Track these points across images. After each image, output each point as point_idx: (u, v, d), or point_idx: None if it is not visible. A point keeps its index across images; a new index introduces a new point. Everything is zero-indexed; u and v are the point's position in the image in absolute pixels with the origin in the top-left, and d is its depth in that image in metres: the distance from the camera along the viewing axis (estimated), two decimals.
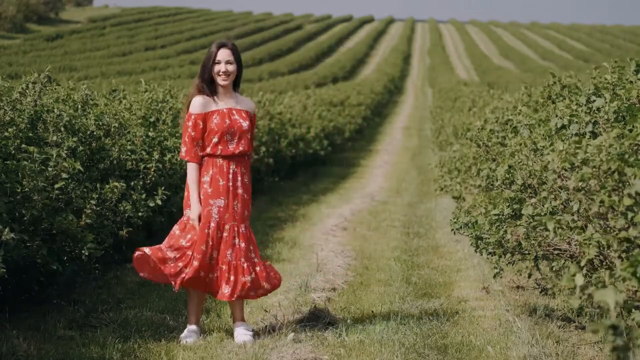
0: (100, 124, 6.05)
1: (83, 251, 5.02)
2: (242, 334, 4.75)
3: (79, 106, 6.25)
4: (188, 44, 61.64)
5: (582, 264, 3.51)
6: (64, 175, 4.96)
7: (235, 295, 4.72)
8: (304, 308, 5.42)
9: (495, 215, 4.85)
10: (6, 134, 4.93)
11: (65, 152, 5.21)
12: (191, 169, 4.77)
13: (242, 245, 4.75)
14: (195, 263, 4.69)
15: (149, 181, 6.50)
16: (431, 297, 5.97)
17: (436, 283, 6.49)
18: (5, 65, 37.26)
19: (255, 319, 5.23)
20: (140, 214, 5.93)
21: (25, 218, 4.69)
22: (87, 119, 6.04)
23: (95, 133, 5.99)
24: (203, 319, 5.14)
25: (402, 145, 25.40)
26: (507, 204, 4.83)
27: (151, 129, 7.00)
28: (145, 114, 7.26)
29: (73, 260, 5.20)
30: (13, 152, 4.91)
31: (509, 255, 5.00)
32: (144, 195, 6.01)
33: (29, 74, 5.81)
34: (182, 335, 4.77)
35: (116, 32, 65.30)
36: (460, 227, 5.53)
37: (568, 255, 4.52)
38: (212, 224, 4.73)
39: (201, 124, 4.75)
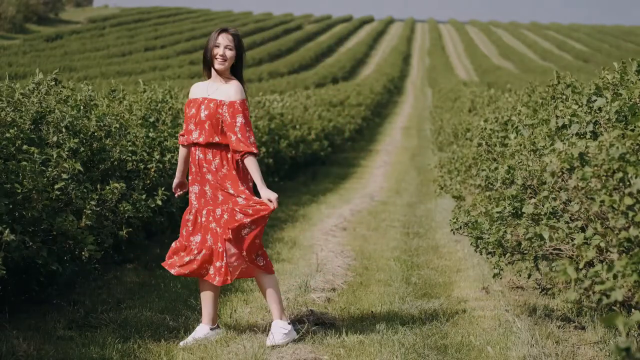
0: (102, 124, 6.05)
1: (83, 252, 5.02)
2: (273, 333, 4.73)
3: (81, 107, 6.25)
4: (188, 44, 61.62)
5: (581, 266, 3.51)
6: (64, 176, 4.96)
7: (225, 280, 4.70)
8: (304, 308, 5.42)
9: (497, 212, 4.85)
10: (7, 134, 4.93)
11: (66, 152, 5.21)
12: (180, 149, 4.98)
13: (219, 229, 4.71)
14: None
15: (149, 181, 6.50)
16: (431, 297, 5.97)
17: (436, 283, 6.49)
18: (5, 66, 37.24)
19: (255, 319, 5.23)
20: (140, 214, 5.93)
21: (25, 219, 4.69)
22: (88, 120, 6.04)
23: (96, 134, 6.00)
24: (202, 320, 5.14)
25: (401, 146, 25.41)
26: (509, 202, 4.83)
27: (151, 130, 7.00)
28: (145, 115, 7.26)
29: (73, 261, 5.20)
30: (14, 152, 4.91)
31: (508, 255, 5.01)
32: (144, 196, 6.01)
33: (30, 74, 5.83)
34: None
35: (116, 32, 65.30)
36: (460, 227, 5.53)
37: (568, 256, 4.53)
38: (192, 210, 4.78)
39: (187, 109, 4.83)
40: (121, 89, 7.50)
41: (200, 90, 4.83)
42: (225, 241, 4.64)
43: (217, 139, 4.69)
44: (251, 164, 4.65)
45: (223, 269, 4.66)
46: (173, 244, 4.85)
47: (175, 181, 5.01)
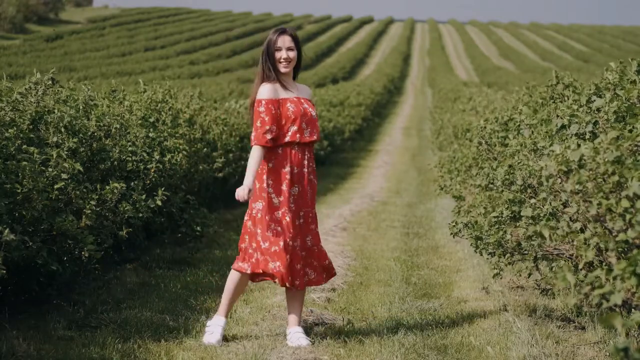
0: (101, 125, 6.05)
1: (83, 252, 5.02)
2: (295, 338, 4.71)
3: (81, 107, 6.26)
4: (188, 45, 61.64)
5: (580, 266, 3.52)
6: (64, 176, 4.96)
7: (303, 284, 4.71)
8: (304, 308, 5.42)
9: (494, 217, 4.86)
10: (7, 134, 4.93)
11: (66, 152, 5.22)
12: (257, 150, 4.61)
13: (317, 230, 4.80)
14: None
15: (149, 182, 6.51)
16: (431, 297, 5.98)
17: (436, 283, 6.49)
18: (5, 66, 37.26)
19: (255, 319, 5.23)
20: (140, 214, 5.93)
21: (25, 219, 4.69)
22: (88, 119, 6.04)
23: (95, 134, 6.00)
24: (203, 320, 5.14)
25: (401, 146, 25.41)
26: (506, 206, 4.83)
27: (151, 130, 7.01)
28: (145, 115, 7.27)
29: (73, 261, 5.21)
30: (13, 152, 4.91)
31: (508, 255, 5.01)
32: (144, 196, 6.01)
33: (30, 74, 5.83)
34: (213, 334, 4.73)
35: (116, 32, 65.31)
36: (459, 230, 5.54)
37: (568, 256, 4.53)
38: (290, 213, 4.66)
39: (273, 109, 4.65)
40: (122, 89, 7.50)
41: (280, 90, 4.73)
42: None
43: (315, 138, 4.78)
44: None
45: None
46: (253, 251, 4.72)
47: (250, 185, 4.57)
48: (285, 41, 4.75)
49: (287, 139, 4.65)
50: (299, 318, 4.78)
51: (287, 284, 4.63)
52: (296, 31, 4.92)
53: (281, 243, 4.59)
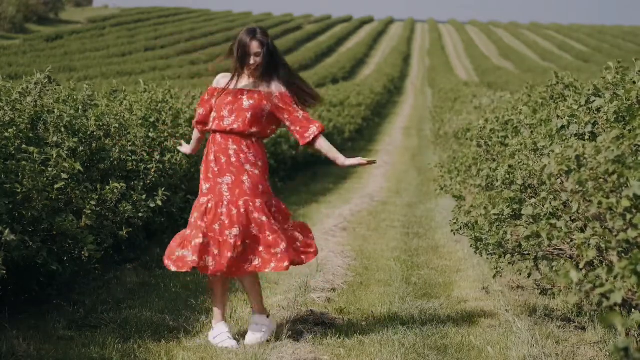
0: (101, 124, 6.05)
1: (83, 252, 5.02)
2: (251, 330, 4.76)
3: (80, 107, 6.25)
4: (188, 44, 61.63)
5: (581, 266, 3.52)
6: (64, 176, 4.96)
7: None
8: (304, 308, 5.42)
9: (495, 215, 4.85)
10: (6, 134, 4.93)
11: (66, 152, 5.21)
12: (194, 131, 5.10)
13: (264, 219, 4.66)
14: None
15: (149, 182, 6.50)
16: (431, 297, 5.98)
17: (436, 283, 6.49)
18: (5, 66, 37.30)
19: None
20: (140, 214, 5.93)
21: (25, 219, 4.69)
22: (87, 119, 6.04)
23: (95, 134, 6.00)
24: (203, 320, 5.14)
25: (401, 146, 25.42)
26: (507, 204, 4.83)
27: (151, 130, 7.01)
28: (145, 115, 7.27)
29: (73, 261, 5.20)
30: (13, 152, 4.91)
31: (508, 256, 5.01)
32: (144, 196, 6.01)
33: (30, 74, 5.82)
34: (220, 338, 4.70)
35: (116, 32, 65.34)
36: (460, 228, 5.53)
37: (568, 256, 4.53)
38: (225, 202, 4.66)
39: (207, 96, 4.87)
40: (123, 89, 7.50)
41: (232, 81, 4.88)
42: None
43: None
44: None
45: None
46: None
47: (186, 149, 5.25)
48: (253, 47, 4.71)
49: (209, 125, 4.82)
50: (258, 305, 4.78)
51: (209, 273, 4.63)
52: (266, 31, 4.85)
53: (201, 234, 4.61)
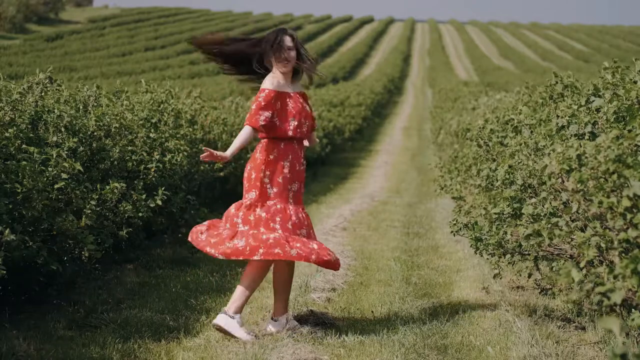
0: (101, 124, 6.05)
1: (83, 252, 5.02)
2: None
3: (81, 107, 6.25)
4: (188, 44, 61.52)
5: (582, 265, 3.51)
6: (64, 176, 4.96)
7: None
8: (304, 308, 5.42)
9: (495, 214, 4.85)
10: (6, 134, 4.93)
11: (66, 152, 5.21)
12: (246, 130, 4.85)
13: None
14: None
15: (149, 182, 6.50)
16: (431, 297, 5.97)
17: (436, 283, 6.49)
18: (5, 66, 37.28)
19: (255, 319, 5.23)
20: (140, 214, 5.93)
21: (25, 219, 4.69)
22: (87, 119, 6.04)
23: (95, 134, 6.00)
24: (203, 319, 5.14)
25: (401, 146, 25.42)
26: (507, 203, 4.83)
27: (152, 130, 7.00)
28: (147, 115, 7.27)
29: (73, 261, 5.20)
30: (13, 152, 4.91)
31: (508, 256, 5.00)
32: (144, 196, 6.01)
33: (30, 74, 5.83)
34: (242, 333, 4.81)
35: (116, 32, 65.31)
36: (460, 229, 5.53)
37: (569, 256, 4.53)
38: (291, 207, 4.90)
39: (272, 99, 4.89)
40: (125, 90, 7.49)
41: (283, 85, 4.99)
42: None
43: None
44: None
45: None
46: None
47: (227, 157, 4.84)
48: (287, 41, 4.98)
49: (290, 133, 4.89)
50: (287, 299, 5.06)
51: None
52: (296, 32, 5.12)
53: (278, 231, 4.80)
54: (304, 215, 4.97)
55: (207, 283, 6.22)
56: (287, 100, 4.92)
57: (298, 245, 4.76)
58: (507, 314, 5.24)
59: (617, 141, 3.46)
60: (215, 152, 4.79)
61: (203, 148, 4.84)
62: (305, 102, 5.04)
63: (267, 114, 4.83)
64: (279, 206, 4.86)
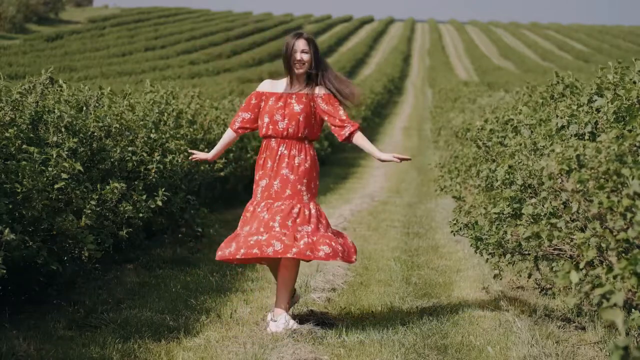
0: (101, 125, 6.05)
1: (83, 252, 5.02)
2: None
3: (84, 107, 6.25)
4: (188, 44, 61.62)
5: (582, 266, 3.51)
6: (64, 176, 4.96)
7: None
8: (304, 308, 5.42)
9: (495, 214, 4.85)
10: (7, 134, 4.93)
11: (66, 152, 5.21)
12: (227, 132, 5.18)
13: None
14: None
15: (149, 182, 6.50)
16: (431, 297, 5.97)
17: (436, 283, 6.49)
18: (5, 66, 37.28)
19: (255, 319, 5.23)
20: (140, 214, 5.93)
21: (25, 218, 4.69)
22: (87, 119, 6.03)
23: (96, 134, 6.00)
24: (203, 319, 5.14)
25: (402, 146, 25.42)
26: (507, 203, 4.83)
27: (153, 131, 7.00)
28: (155, 118, 7.27)
29: (73, 261, 5.20)
30: (14, 152, 4.91)
31: (508, 256, 5.00)
32: (144, 196, 6.01)
33: (30, 74, 5.83)
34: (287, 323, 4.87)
35: (116, 32, 65.31)
36: (460, 228, 5.53)
37: (568, 256, 4.53)
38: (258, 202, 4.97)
39: (254, 99, 5.07)
40: (129, 91, 7.49)
41: (280, 86, 5.08)
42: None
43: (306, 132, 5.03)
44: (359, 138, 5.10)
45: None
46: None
47: (208, 157, 5.23)
48: (300, 44, 5.03)
49: (263, 131, 5.03)
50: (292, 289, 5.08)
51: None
52: (313, 36, 5.18)
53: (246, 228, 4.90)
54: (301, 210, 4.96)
55: (207, 283, 6.22)
56: (271, 99, 5.02)
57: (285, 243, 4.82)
58: (507, 314, 5.25)
59: (617, 141, 3.46)
60: (199, 153, 5.24)
61: (188, 151, 5.14)
62: (304, 103, 5.01)
63: (246, 115, 5.08)
64: (273, 205, 4.93)
